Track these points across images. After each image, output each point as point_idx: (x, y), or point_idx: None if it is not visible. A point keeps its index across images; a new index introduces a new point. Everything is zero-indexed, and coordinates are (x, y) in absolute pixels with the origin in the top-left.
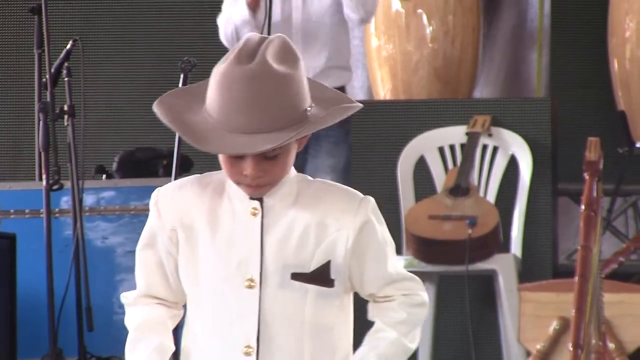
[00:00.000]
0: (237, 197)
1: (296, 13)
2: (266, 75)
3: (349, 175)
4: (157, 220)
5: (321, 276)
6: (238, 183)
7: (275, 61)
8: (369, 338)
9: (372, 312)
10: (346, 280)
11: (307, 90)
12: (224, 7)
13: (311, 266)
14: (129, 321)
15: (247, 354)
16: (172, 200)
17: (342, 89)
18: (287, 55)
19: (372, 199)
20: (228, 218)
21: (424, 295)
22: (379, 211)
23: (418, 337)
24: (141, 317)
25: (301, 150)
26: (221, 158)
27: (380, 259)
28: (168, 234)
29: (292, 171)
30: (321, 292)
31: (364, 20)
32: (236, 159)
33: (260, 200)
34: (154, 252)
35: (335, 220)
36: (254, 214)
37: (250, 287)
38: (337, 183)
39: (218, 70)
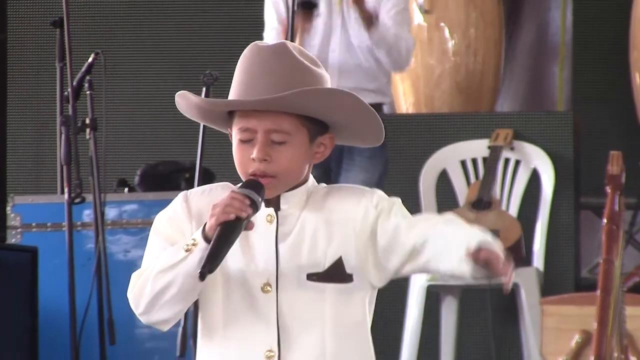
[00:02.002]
0: None
1: (334, 46)
2: (285, 53)
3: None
4: (184, 212)
5: (337, 273)
6: (246, 174)
7: (296, 51)
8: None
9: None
10: (369, 272)
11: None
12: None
13: (325, 264)
14: (142, 277)
15: (269, 357)
16: (200, 201)
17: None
18: (308, 55)
19: (378, 191)
20: None
21: None
22: (386, 199)
23: None
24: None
25: (331, 163)
26: (234, 147)
27: (398, 213)
28: (188, 228)
29: (311, 181)
30: (340, 289)
31: (401, 70)
32: (247, 145)
33: (277, 208)
34: (168, 236)
35: (341, 214)
36: (270, 221)
37: (266, 291)
38: (348, 184)
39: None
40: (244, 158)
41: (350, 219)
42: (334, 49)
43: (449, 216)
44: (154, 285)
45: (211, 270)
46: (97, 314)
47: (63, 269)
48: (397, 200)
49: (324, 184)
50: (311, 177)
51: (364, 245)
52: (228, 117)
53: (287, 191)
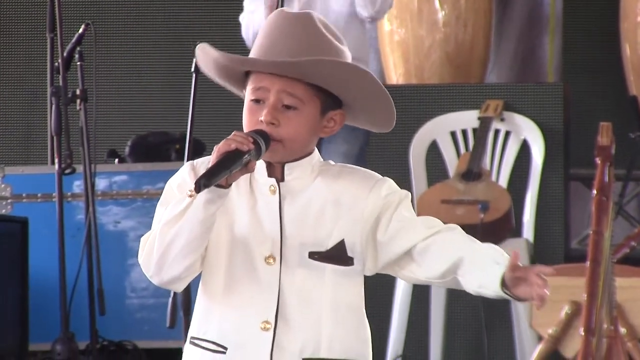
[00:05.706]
0: (260, 174)
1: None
2: (309, 22)
3: (363, 162)
4: (192, 181)
5: (338, 255)
6: None
7: (320, 23)
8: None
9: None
10: (367, 259)
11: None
12: (245, 4)
13: (328, 244)
14: (150, 237)
15: (265, 329)
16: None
17: None
18: (333, 30)
19: (389, 181)
20: (252, 194)
21: None
22: (396, 191)
23: None
24: None
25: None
26: (245, 108)
27: (404, 210)
28: None
29: (316, 155)
30: (340, 271)
31: (374, 18)
32: (257, 106)
33: (280, 179)
34: None
35: (350, 198)
36: (273, 192)
37: (269, 264)
38: (360, 167)
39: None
40: (253, 120)
41: (360, 205)
42: None
43: (452, 225)
44: (162, 239)
45: (206, 185)
46: (87, 284)
47: (53, 239)
48: (407, 196)
49: (331, 162)
50: (316, 150)
51: (367, 233)
52: (244, 78)
53: (291, 162)
